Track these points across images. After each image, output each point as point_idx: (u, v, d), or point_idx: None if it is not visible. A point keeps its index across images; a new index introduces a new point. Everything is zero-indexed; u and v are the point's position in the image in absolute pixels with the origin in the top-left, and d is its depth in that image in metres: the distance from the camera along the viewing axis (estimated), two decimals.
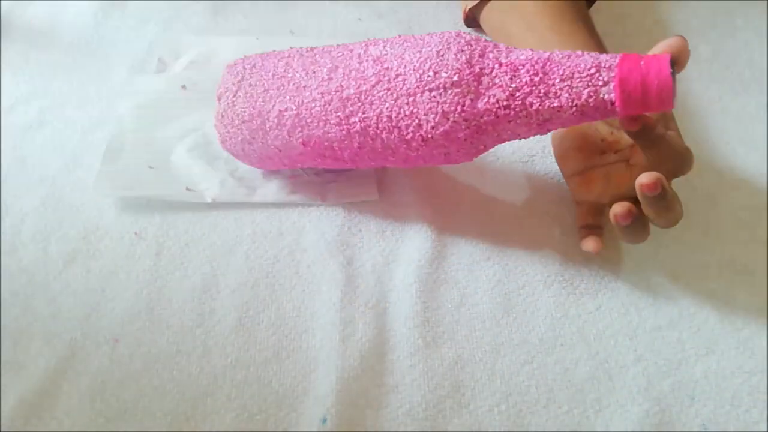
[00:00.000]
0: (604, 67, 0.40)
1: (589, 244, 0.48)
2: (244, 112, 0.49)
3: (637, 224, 0.44)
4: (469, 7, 0.61)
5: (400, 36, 0.46)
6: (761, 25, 0.68)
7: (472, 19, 0.63)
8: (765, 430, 0.42)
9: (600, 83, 0.40)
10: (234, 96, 0.50)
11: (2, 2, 0.69)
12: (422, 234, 0.51)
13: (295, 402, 0.43)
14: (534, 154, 0.56)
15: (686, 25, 0.68)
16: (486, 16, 0.60)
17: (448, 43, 0.43)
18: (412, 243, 0.50)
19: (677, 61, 0.40)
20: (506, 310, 0.47)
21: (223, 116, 0.51)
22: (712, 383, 0.44)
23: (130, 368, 0.44)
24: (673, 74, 0.38)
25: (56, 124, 0.58)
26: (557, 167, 0.52)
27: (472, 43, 0.43)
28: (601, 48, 0.51)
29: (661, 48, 0.41)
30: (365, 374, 0.44)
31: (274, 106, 0.48)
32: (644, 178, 0.41)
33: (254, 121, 0.49)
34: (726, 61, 0.65)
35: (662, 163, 0.43)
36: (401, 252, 0.50)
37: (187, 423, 0.42)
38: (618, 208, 0.43)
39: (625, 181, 0.45)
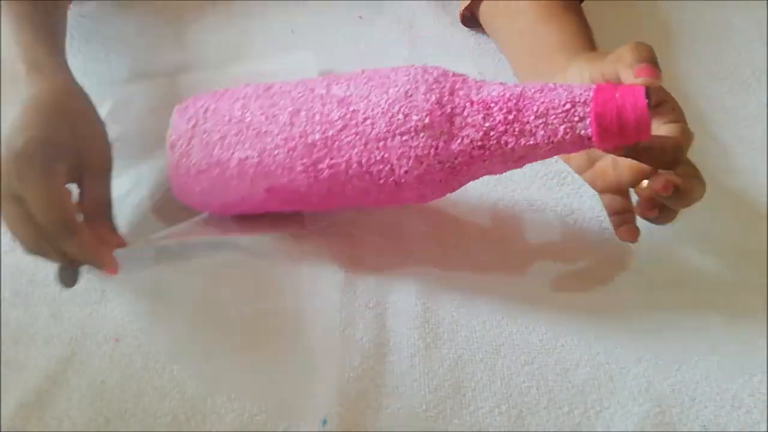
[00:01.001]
0: (579, 102, 0.39)
1: (625, 235, 0.47)
2: (201, 161, 0.46)
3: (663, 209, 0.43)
4: (464, 6, 0.61)
5: (363, 72, 0.45)
6: (761, 25, 0.68)
7: (469, 18, 0.63)
8: (765, 431, 0.42)
9: (576, 119, 0.39)
10: (188, 144, 0.46)
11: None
12: (422, 236, 0.51)
13: (295, 403, 0.43)
14: None
15: (686, 25, 0.68)
16: (481, 13, 0.61)
17: (416, 82, 0.42)
18: (412, 244, 0.50)
19: (650, 91, 0.39)
20: (507, 310, 0.47)
21: (177, 167, 0.47)
22: (712, 384, 0.44)
23: (130, 368, 0.44)
24: (649, 105, 0.38)
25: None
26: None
27: (441, 79, 0.42)
28: (590, 41, 0.51)
29: (630, 73, 0.41)
30: (365, 375, 0.44)
31: (233, 154, 0.45)
32: (656, 184, 0.41)
33: (212, 171, 0.46)
34: (726, 61, 0.65)
35: (655, 162, 0.42)
36: (401, 251, 0.50)
37: (187, 423, 0.42)
38: (656, 184, 0.41)
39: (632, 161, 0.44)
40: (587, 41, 0.52)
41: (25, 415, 0.42)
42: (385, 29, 0.66)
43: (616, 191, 0.48)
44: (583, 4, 0.59)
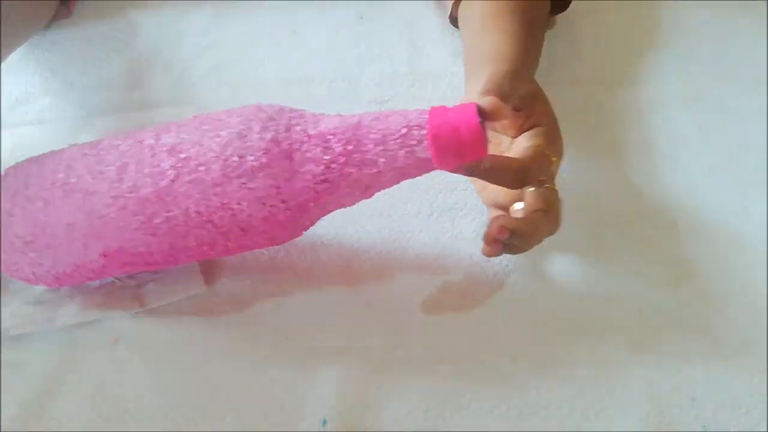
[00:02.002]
0: (414, 125, 0.39)
1: (484, 250, 0.44)
2: (25, 232, 0.43)
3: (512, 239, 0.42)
4: (452, 7, 0.61)
5: (195, 117, 0.43)
6: (761, 25, 0.68)
7: (456, 19, 0.63)
8: (765, 431, 0.42)
9: (413, 142, 0.39)
10: (9, 215, 0.43)
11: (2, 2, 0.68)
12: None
13: (295, 403, 0.43)
14: None
15: (686, 25, 0.68)
16: (458, 16, 0.61)
17: (249, 122, 0.40)
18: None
19: (483, 110, 0.39)
20: (507, 310, 0.47)
21: (1, 241, 0.44)
22: (712, 384, 0.44)
23: (130, 368, 0.44)
24: (482, 122, 0.38)
25: (56, 123, 0.58)
26: None
27: (276, 116, 0.41)
28: (520, 47, 0.50)
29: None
30: (365, 375, 0.44)
31: (59, 219, 0.42)
32: (491, 228, 0.41)
33: (39, 242, 0.42)
34: (726, 61, 0.65)
35: (500, 182, 0.42)
36: (402, 255, 0.50)
37: (186, 423, 0.42)
38: (491, 228, 0.42)
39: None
40: (513, 52, 0.49)
41: (25, 415, 0.42)
42: (385, 29, 0.66)
43: (498, 207, 0.47)
44: (582, 4, 0.59)
